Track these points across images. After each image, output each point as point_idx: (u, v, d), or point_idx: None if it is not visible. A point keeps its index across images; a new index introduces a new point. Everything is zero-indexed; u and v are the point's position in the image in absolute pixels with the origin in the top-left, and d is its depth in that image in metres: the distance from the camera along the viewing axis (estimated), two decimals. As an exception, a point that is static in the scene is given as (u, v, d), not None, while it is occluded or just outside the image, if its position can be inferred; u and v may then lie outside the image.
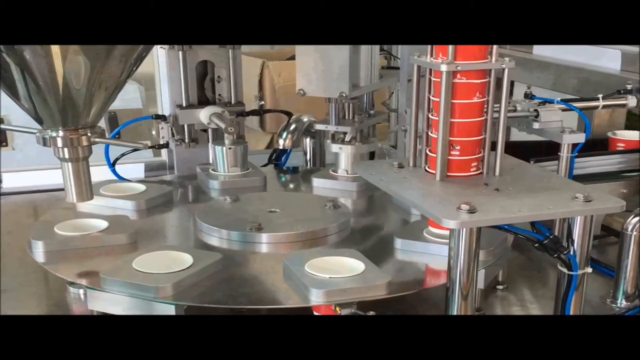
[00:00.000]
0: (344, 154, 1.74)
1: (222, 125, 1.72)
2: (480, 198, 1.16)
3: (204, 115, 1.78)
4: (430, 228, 1.36)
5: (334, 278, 1.16)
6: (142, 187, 1.62)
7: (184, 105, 1.83)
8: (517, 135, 1.71)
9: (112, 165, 1.81)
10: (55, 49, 1.20)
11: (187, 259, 1.21)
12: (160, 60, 1.95)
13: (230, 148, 1.75)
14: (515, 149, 1.81)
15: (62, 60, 1.21)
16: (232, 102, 1.88)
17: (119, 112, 3.43)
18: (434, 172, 1.25)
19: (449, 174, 1.25)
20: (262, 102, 3.48)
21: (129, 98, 3.51)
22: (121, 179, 1.80)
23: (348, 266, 1.20)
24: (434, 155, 1.24)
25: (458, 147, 1.24)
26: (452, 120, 1.21)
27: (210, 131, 1.87)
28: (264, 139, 3.31)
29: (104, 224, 1.38)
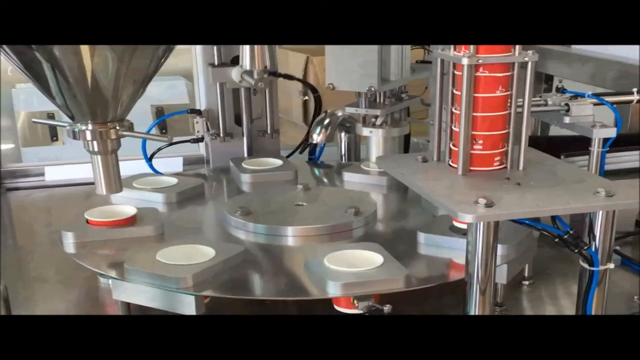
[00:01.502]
0: (374, 138, 1.74)
1: (252, 82, 1.73)
2: (500, 192, 1.15)
3: (235, 72, 1.80)
4: (455, 223, 1.35)
5: (351, 271, 1.16)
6: (174, 180, 1.65)
7: (216, 63, 1.84)
8: (558, 130, 1.68)
9: (149, 159, 1.85)
10: (84, 45, 1.23)
11: (209, 252, 1.23)
12: (198, 56, 1.97)
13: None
14: (555, 143, 1.79)
15: (91, 56, 1.25)
16: (268, 65, 1.87)
17: (166, 106, 3.50)
18: (457, 166, 1.25)
19: (471, 168, 1.24)
20: (306, 98, 3.51)
21: (176, 93, 3.58)
22: (157, 172, 1.84)
23: (367, 259, 1.21)
24: (457, 149, 1.23)
25: (481, 142, 1.23)
26: (474, 114, 1.21)
27: (242, 93, 1.88)
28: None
29: (132, 211, 1.41)
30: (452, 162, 1.28)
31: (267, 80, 1.82)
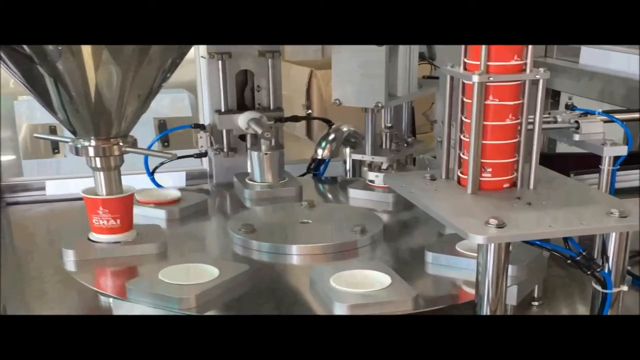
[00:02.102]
0: (380, 183, 1.72)
1: (259, 131, 1.72)
2: (511, 212, 1.12)
3: (242, 120, 1.78)
4: (464, 241, 1.33)
5: (358, 292, 1.14)
6: (177, 193, 1.63)
7: (222, 110, 1.83)
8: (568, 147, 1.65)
9: (151, 174, 1.83)
10: (88, 59, 1.21)
11: (213, 271, 1.20)
12: (202, 70, 1.95)
13: (266, 154, 1.74)
14: (565, 161, 1.77)
15: (95, 70, 1.23)
16: (272, 107, 1.88)
17: (168, 120, 3.48)
18: (466, 185, 1.22)
19: (481, 187, 1.22)
20: (310, 111, 3.49)
21: (179, 106, 3.55)
22: (159, 187, 1.81)
23: (374, 280, 1.18)
24: (465, 174, 1.21)
25: (490, 170, 1.21)
26: (483, 142, 1.19)
27: (248, 138, 1.87)
28: (311, 147, 3.30)
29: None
30: (461, 175, 1.26)
31: (274, 129, 1.83)
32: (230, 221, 1.49)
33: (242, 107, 1.89)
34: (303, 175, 1.95)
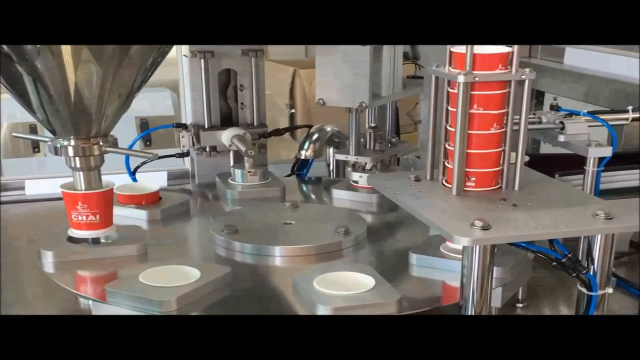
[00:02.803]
0: (364, 183, 1.70)
1: (243, 148, 1.71)
2: (496, 214, 1.12)
3: (225, 137, 1.78)
4: (448, 243, 1.32)
5: (342, 294, 1.12)
6: (155, 187, 1.60)
7: (206, 126, 1.83)
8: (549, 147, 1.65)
9: (132, 174, 1.81)
10: (67, 57, 1.19)
11: (194, 273, 1.19)
12: (184, 69, 1.93)
13: (250, 172, 1.72)
14: (551, 162, 1.76)
15: (74, 69, 1.20)
16: (255, 123, 1.87)
17: (150, 118, 3.45)
18: (450, 185, 1.21)
19: (466, 188, 1.21)
20: (293, 110, 3.48)
21: (161, 105, 3.52)
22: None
23: (358, 282, 1.17)
24: (451, 166, 1.20)
25: (474, 179, 1.21)
26: (468, 151, 1.18)
27: (232, 155, 1.87)
28: (294, 147, 3.28)
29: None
30: (445, 181, 1.25)
31: (258, 146, 1.82)
32: (213, 222, 1.47)
33: (225, 108, 1.87)
34: (287, 176, 1.93)
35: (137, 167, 1.81)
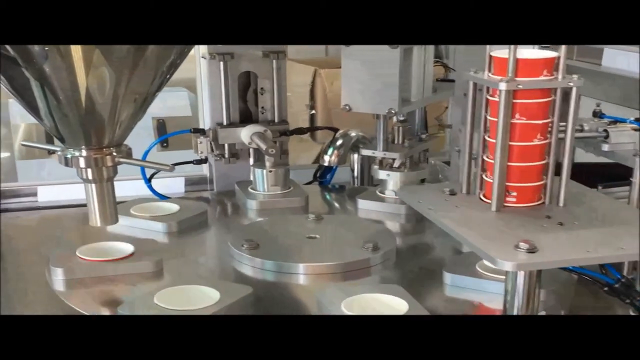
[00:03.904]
0: (391, 181, 1.61)
1: (263, 147, 1.62)
2: (542, 234, 1.02)
3: (245, 134, 1.69)
4: (485, 261, 1.23)
5: (373, 321, 1.03)
6: (175, 207, 1.52)
7: (224, 123, 1.74)
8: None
9: (148, 181, 1.73)
10: (77, 59, 1.11)
11: (213, 295, 1.10)
12: (202, 71, 1.85)
13: (270, 171, 1.64)
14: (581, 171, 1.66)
15: (85, 72, 1.12)
16: (276, 120, 1.78)
17: (167, 119, 3.37)
18: (489, 201, 1.12)
19: (506, 203, 1.12)
20: (314, 111, 3.39)
21: (177, 105, 3.45)
22: (157, 195, 1.72)
23: (389, 305, 1.08)
24: (490, 180, 1.11)
25: (514, 194, 1.11)
26: (509, 164, 1.09)
27: (251, 153, 1.78)
28: (314, 149, 3.20)
29: (129, 248, 1.28)
30: (483, 195, 1.16)
31: (279, 147, 1.73)
32: (232, 235, 1.38)
33: (244, 112, 1.79)
34: (309, 183, 1.85)
35: (153, 174, 1.73)
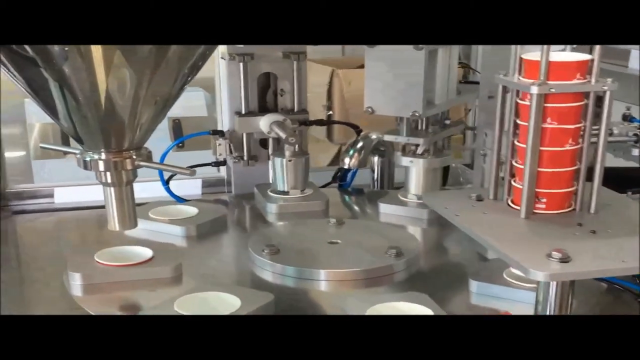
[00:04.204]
0: (414, 169, 1.57)
1: (283, 135, 1.59)
2: (574, 243, 0.99)
3: (264, 123, 1.65)
4: (512, 269, 1.19)
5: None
6: (194, 210, 1.50)
7: (243, 112, 1.70)
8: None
9: (166, 184, 1.71)
10: (98, 60, 1.08)
11: (234, 302, 1.08)
12: (221, 72, 1.82)
13: (290, 160, 1.61)
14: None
15: (105, 73, 1.10)
16: (296, 109, 1.74)
17: (183, 120, 3.35)
18: (518, 207, 1.09)
19: (536, 210, 1.09)
20: (331, 112, 3.36)
21: (193, 105, 3.43)
22: (175, 197, 1.70)
23: (415, 313, 1.05)
24: (519, 186, 1.08)
25: (544, 200, 1.08)
26: (539, 169, 1.06)
27: (270, 143, 1.74)
28: (331, 150, 3.17)
29: (148, 253, 1.26)
30: (512, 201, 1.13)
31: (299, 133, 1.69)
32: (252, 240, 1.36)
33: (263, 110, 1.76)
34: (326, 185, 1.81)
35: (171, 177, 1.71)
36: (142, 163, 1.17)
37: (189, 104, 3.41)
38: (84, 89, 1.10)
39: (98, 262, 1.24)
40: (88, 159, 1.16)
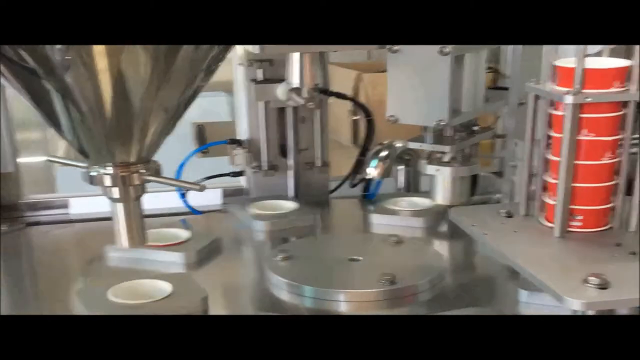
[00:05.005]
0: (441, 178, 1.49)
1: (301, 101, 1.51)
2: (613, 265, 0.91)
3: (281, 90, 1.57)
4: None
5: None
6: (186, 234, 1.43)
7: (258, 79, 1.62)
8: None
9: (183, 195, 1.66)
10: (102, 67, 1.02)
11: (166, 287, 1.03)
12: (239, 79, 1.76)
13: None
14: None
15: (111, 81, 1.04)
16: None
17: (207, 125, 3.30)
18: (551, 225, 1.01)
19: (570, 228, 1.01)
20: (357, 117, 3.29)
21: (217, 110, 3.38)
22: (192, 210, 1.64)
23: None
24: (552, 202, 1.00)
25: (580, 217, 1.00)
26: (574, 185, 0.98)
27: (290, 113, 1.67)
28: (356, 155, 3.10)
29: (167, 287, 1.19)
30: (545, 218, 1.05)
31: (318, 100, 1.59)
32: (267, 257, 1.29)
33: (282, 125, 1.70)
34: (335, 190, 1.74)
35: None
36: (150, 178, 1.11)
37: (212, 108, 3.36)
38: (88, 99, 1.04)
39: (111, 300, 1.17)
40: (94, 173, 1.10)
